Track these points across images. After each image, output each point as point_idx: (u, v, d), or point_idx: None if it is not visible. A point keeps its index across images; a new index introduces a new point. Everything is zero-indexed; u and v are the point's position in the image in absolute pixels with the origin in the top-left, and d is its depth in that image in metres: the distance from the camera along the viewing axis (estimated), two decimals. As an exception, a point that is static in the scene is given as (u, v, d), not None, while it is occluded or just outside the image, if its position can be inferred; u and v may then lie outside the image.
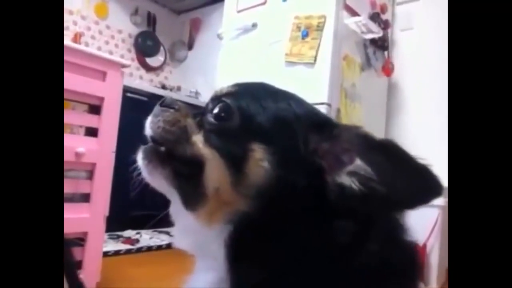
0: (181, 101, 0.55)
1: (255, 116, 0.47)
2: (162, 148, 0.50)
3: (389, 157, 0.40)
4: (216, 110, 0.48)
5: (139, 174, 0.51)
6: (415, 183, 0.39)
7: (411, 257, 0.45)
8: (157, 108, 0.53)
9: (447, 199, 1.70)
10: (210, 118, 0.49)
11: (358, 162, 0.41)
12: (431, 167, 0.38)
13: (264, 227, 0.43)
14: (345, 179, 0.41)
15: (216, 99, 0.50)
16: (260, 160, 0.44)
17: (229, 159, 0.45)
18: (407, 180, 0.39)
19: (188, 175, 0.47)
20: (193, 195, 0.47)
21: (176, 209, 0.50)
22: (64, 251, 0.48)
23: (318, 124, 0.47)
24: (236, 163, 0.45)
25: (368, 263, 0.40)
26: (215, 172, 0.46)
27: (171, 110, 0.52)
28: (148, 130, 0.52)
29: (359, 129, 0.44)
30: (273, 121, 0.46)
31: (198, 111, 0.52)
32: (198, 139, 0.48)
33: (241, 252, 0.43)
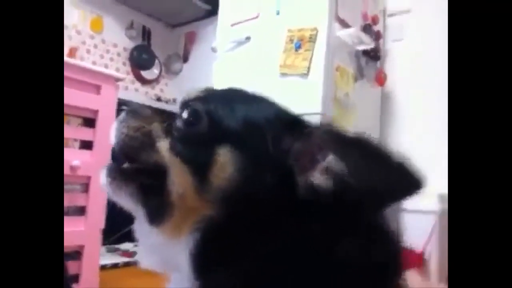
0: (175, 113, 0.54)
1: (223, 120, 0.46)
2: (126, 165, 0.49)
3: (363, 152, 0.39)
4: (184, 115, 0.47)
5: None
6: (390, 178, 0.38)
7: (391, 255, 0.44)
8: (122, 114, 0.52)
9: (445, 205, 1.71)
10: (178, 124, 0.48)
11: (331, 158, 0.39)
12: (408, 161, 0.37)
13: (232, 232, 0.42)
14: (318, 178, 0.40)
15: (185, 104, 0.49)
16: (225, 164, 0.43)
17: (193, 164, 0.44)
18: (382, 175, 0.38)
19: (152, 186, 0.46)
20: (159, 208, 0.45)
21: (141, 227, 0.48)
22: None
23: (288, 125, 0.46)
24: (200, 168, 0.43)
25: (344, 261, 0.39)
26: (178, 178, 0.44)
27: (137, 117, 0.50)
28: (112, 137, 0.50)
29: (330, 126, 0.44)
30: (241, 124, 0.45)
31: (166, 118, 0.51)
32: (163, 145, 0.47)
33: (207, 261, 0.42)
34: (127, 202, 0.49)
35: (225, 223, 0.42)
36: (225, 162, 0.43)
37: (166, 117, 0.52)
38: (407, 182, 0.38)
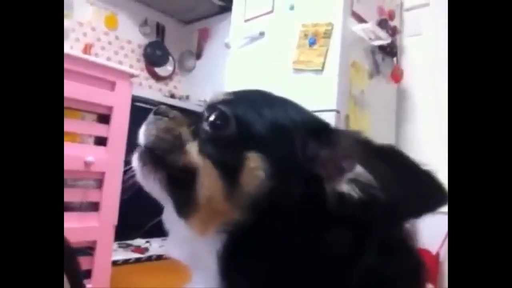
0: (188, 110, 0.54)
1: (252, 124, 0.45)
2: (158, 152, 0.49)
3: (391, 163, 0.38)
4: (211, 118, 0.47)
5: (131, 177, 0.50)
6: (419, 191, 0.37)
7: (414, 269, 0.43)
8: (151, 117, 0.52)
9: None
10: (205, 127, 0.47)
11: (359, 169, 0.39)
12: (436, 173, 0.37)
13: (259, 237, 0.42)
14: (345, 187, 0.39)
15: (212, 107, 0.49)
16: (255, 169, 0.43)
17: (222, 168, 0.44)
18: (410, 188, 0.37)
19: (181, 182, 0.46)
20: (186, 203, 0.45)
21: (169, 216, 0.49)
22: (70, 260, 0.48)
23: (316, 131, 0.45)
24: (229, 172, 0.43)
25: (365, 275, 0.38)
26: (207, 181, 0.44)
27: (165, 119, 0.51)
28: (141, 138, 0.51)
29: (358, 134, 0.43)
30: (270, 128, 0.45)
31: (193, 120, 0.51)
32: (192, 147, 0.47)
33: (235, 263, 0.42)
34: (155, 190, 0.49)
35: (252, 227, 0.42)
36: (255, 167, 0.43)
37: (192, 118, 0.52)
38: (436, 197, 0.37)
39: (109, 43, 3.28)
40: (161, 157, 0.49)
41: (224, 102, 0.49)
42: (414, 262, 0.43)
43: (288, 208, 0.41)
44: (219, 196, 0.43)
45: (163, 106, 0.53)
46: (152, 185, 0.49)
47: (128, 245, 2.37)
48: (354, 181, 0.39)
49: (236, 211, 0.42)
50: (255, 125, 0.45)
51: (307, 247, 0.40)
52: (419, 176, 0.37)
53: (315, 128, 0.46)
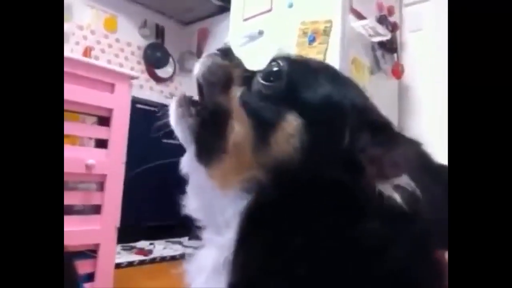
0: None
1: (303, 88, 0.43)
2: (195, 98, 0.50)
3: (444, 186, 0.35)
4: (266, 69, 0.47)
5: (164, 115, 0.51)
6: None
7: (437, 268, 0.40)
8: (213, 52, 0.53)
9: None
10: (258, 77, 0.47)
11: (406, 179, 0.37)
12: None
13: (282, 208, 0.39)
14: (388, 190, 0.37)
15: (273, 59, 0.48)
16: (289, 132, 0.41)
17: (256, 120, 0.43)
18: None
19: (212, 124, 0.46)
20: (211, 148, 0.44)
21: (191, 165, 0.48)
22: (67, 265, 0.47)
23: (376, 125, 0.42)
24: (262, 126, 0.42)
25: (391, 270, 0.36)
26: (238, 127, 0.43)
27: (226, 58, 0.52)
28: (197, 68, 0.52)
29: (419, 145, 0.40)
30: (323, 100, 0.42)
31: (251, 72, 0.51)
32: (235, 91, 0.47)
33: (253, 230, 0.39)
34: (184, 133, 0.49)
35: (277, 196, 0.39)
36: (290, 129, 0.41)
37: (252, 71, 0.52)
38: None
39: (109, 45, 3.28)
40: (197, 101, 0.50)
41: (286, 59, 0.48)
42: (437, 261, 0.41)
43: (316, 188, 0.39)
44: (246, 146, 0.42)
45: (228, 46, 0.54)
46: (182, 127, 0.49)
47: (132, 248, 2.37)
48: (400, 189, 0.37)
49: (260, 170, 0.40)
50: (306, 90, 0.43)
51: (331, 234, 0.38)
52: None
53: (375, 122, 0.43)
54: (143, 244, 2.48)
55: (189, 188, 0.50)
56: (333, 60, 1.74)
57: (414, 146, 0.40)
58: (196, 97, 0.52)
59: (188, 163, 0.50)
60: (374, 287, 0.36)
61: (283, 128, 0.41)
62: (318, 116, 0.42)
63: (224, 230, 0.41)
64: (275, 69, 0.46)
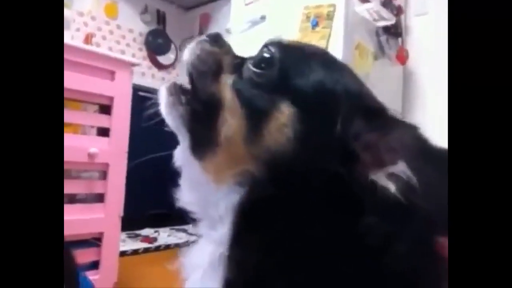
0: None
1: (295, 75, 0.42)
2: (185, 85, 0.49)
3: (444, 173, 0.33)
4: (258, 56, 0.45)
5: (154, 105, 0.50)
6: None
7: (437, 263, 0.38)
8: (202, 37, 0.51)
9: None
10: (249, 64, 0.45)
11: (402, 166, 0.34)
12: None
13: (276, 203, 0.38)
14: (383, 180, 0.35)
15: (265, 45, 0.46)
16: (282, 121, 0.39)
17: (249, 109, 0.41)
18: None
19: (203, 118, 0.44)
20: (204, 141, 0.43)
21: (185, 156, 0.47)
22: (63, 255, 0.47)
23: (369, 109, 0.40)
24: (255, 117, 0.40)
25: (393, 266, 0.34)
26: (230, 118, 0.42)
27: (216, 44, 0.50)
28: (186, 55, 0.50)
29: (416, 129, 0.38)
30: (315, 86, 0.41)
31: (242, 57, 0.49)
32: (226, 78, 0.45)
33: (247, 225, 0.38)
34: (176, 123, 0.48)
35: (271, 189, 0.38)
36: (283, 119, 0.39)
37: (242, 57, 0.50)
38: None
39: (110, 32, 3.25)
40: (187, 89, 0.48)
41: (278, 44, 0.46)
42: (438, 256, 0.39)
43: (310, 179, 0.37)
44: (239, 138, 0.41)
45: (218, 32, 0.52)
46: (173, 117, 0.47)
47: (137, 235, 2.39)
48: (395, 177, 0.35)
49: (254, 163, 0.39)
50: (298, 77, 0.42)
51: (327, 229, 0.36)
52: None
53: (368, 106, 0.41)
54: (147, 231, 2.49)
55: (182, 181, 0.49)
56: (337, 45, 1.71)
57: (411, 130, 0.38)
58: (186, 84, 0.50)
59: (181, 156, 0.48)
60: (373, 284, 0.35)
61: (276, 118, 0.40)
62: (310, 103, 0.41)
63: (219, 225, 0.41)
64: (266, 55, 0.44)
